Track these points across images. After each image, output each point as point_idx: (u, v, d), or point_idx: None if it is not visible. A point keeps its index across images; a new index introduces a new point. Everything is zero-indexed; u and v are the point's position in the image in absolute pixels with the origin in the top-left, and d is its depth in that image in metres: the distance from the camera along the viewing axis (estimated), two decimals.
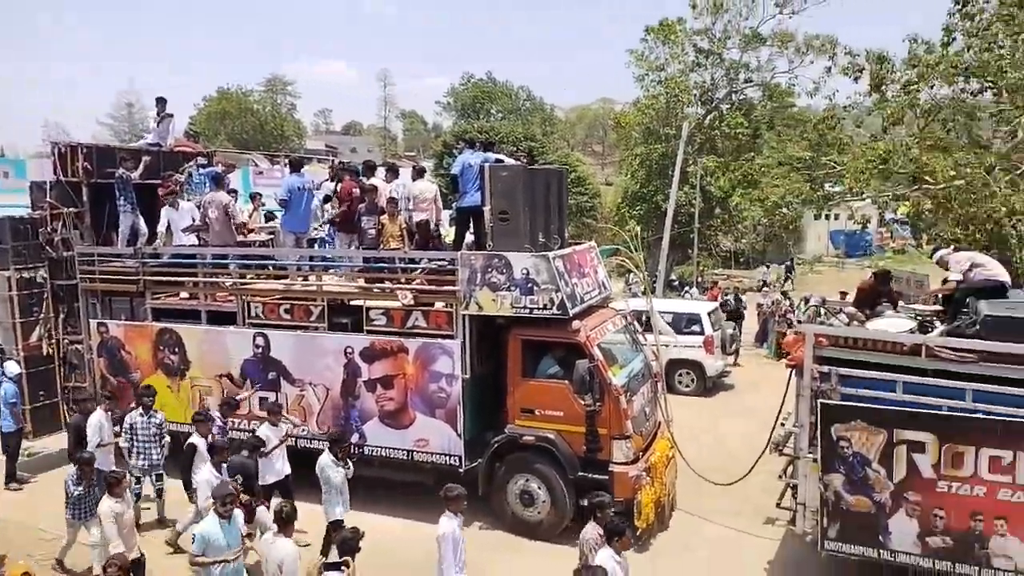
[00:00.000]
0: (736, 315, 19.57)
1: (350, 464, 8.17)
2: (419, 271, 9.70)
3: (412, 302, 9.52)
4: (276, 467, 8.76)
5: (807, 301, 19.14)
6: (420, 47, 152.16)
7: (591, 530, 6.62)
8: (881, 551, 7.42)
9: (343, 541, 6.14)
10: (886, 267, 10.42)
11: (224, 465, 7.80)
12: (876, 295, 9.09)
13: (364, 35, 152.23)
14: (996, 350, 6.98)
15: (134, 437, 9.24)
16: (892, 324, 8.25)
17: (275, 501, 8.05)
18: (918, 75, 17.43)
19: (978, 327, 7.38)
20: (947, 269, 8.25)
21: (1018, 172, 16.64)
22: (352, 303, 10.02)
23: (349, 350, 9.69)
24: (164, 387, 10.61)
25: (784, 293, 22.82)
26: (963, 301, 7.89)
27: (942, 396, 7.18)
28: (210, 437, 8.64)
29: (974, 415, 7.02)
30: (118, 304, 11.39)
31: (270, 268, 11.09)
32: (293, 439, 9.56)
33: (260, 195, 13.70)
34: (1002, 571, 7.02)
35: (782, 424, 8.85)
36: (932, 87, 17.93)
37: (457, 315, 9.18)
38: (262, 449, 8.47)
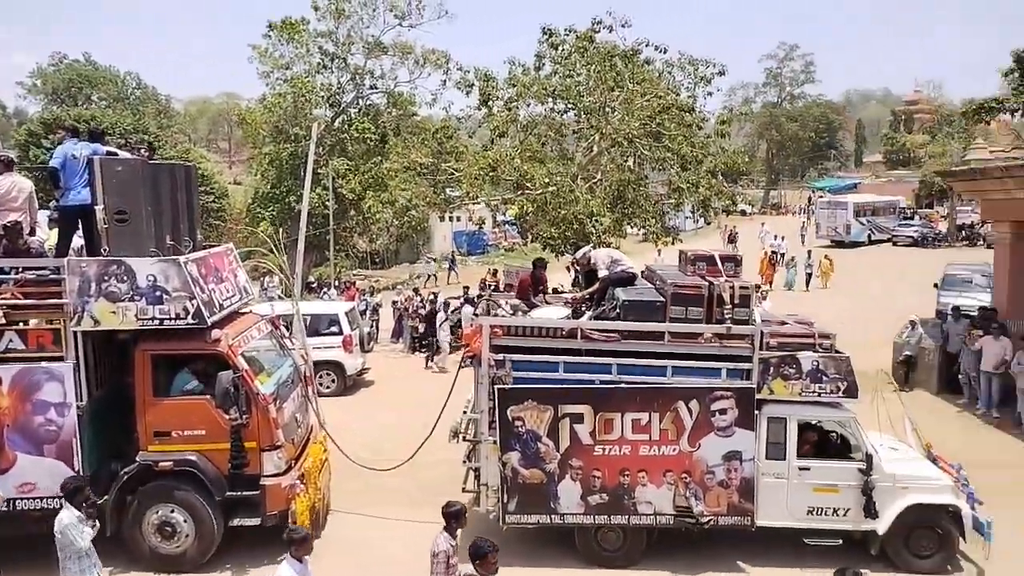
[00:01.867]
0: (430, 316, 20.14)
1: (97, 521, 6.79)
2: (11, 282, 8.08)
3: (2, 320, 7.98)
4: None
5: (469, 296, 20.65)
6: None
7: (444, 542, 6.23)
8: (553, 516, 8.38)
9: None
10: (542, 257, 11.55)
11: None
12: (536, 282, 10.12)
13: None
14: (632, 329, 8.40)
15: None
16: (552, 312, 9.31)
17: None
18: (517, 94, 19.98)
19: (618, 311, 8.72)
20: (588, 264, 9.70)
21: (594, 181, 20.14)
22: None
23: None
24: None
25: (416, 290, 24.25)
26: (605, 290, 9.27)
27: (595, 372, 8.39)
28: None
29: (619, 385, 8.33)
30: None
31: None
32: None
33: None
34: (646, 515, 8.40)
35: (464, 412, 9.34)
36: (528, 105, 20.73)
37: (67, 333, 7.92)
38: None
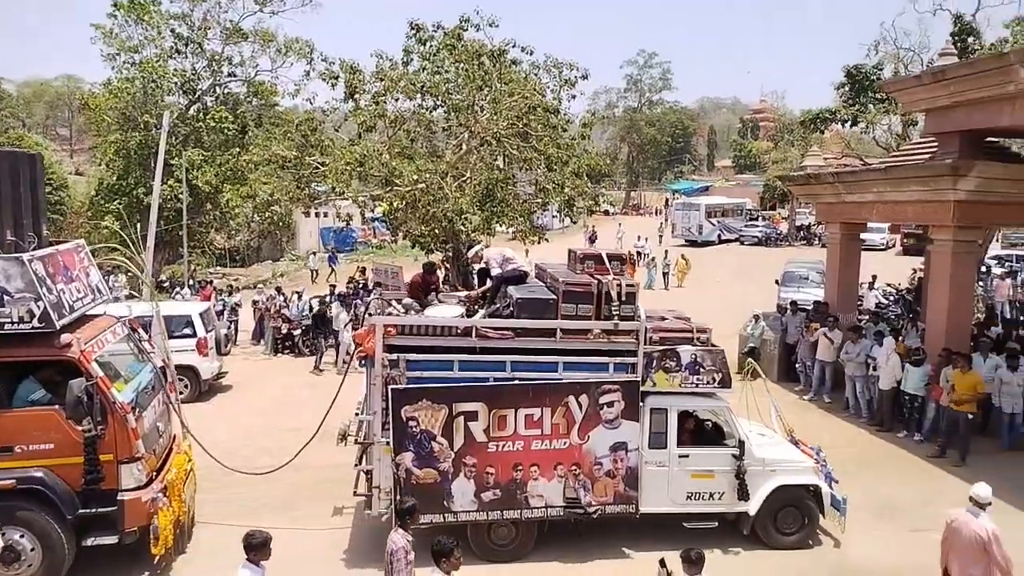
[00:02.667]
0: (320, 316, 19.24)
1: None
2: None
3: None
4: None
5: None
6: None
7: (400, 539, 6.07)
8: (447, 515, 8.36)
9: None
10: (431, 261, 11.49)
11: None
12: (427, 284, 10.03)
13: None
14: (526, 326, 8.54)
15: None
16: (446, 311, 9.28)
17: None
18: (384, 88, 19.67)
19: (512, 309, 8.87)
20: (479, 261, 9.77)
21: (464, 179, 20.18)
22: None
23: None
24: None
25: (278, 289, 23.34)
26: (499, 289, 9.37)
27: (489, 369, 8.45)
28: None
29: (513, 382, 8.43)
30: None
31: None
32: None
33: None
34: (537, 508, 8.55)
35: (357, 413, 9.16)
36: (397, 100, 20.46)
37: None
38: None
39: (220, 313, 19.95)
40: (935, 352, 12.89)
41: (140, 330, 9.70)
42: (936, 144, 14.30)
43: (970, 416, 11.88)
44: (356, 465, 8.96)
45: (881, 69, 28.41)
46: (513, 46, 20.51)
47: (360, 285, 23.33)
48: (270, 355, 19.89)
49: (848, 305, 16.86)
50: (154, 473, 8.29)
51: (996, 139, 14.43)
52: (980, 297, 20.63)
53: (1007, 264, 30.04)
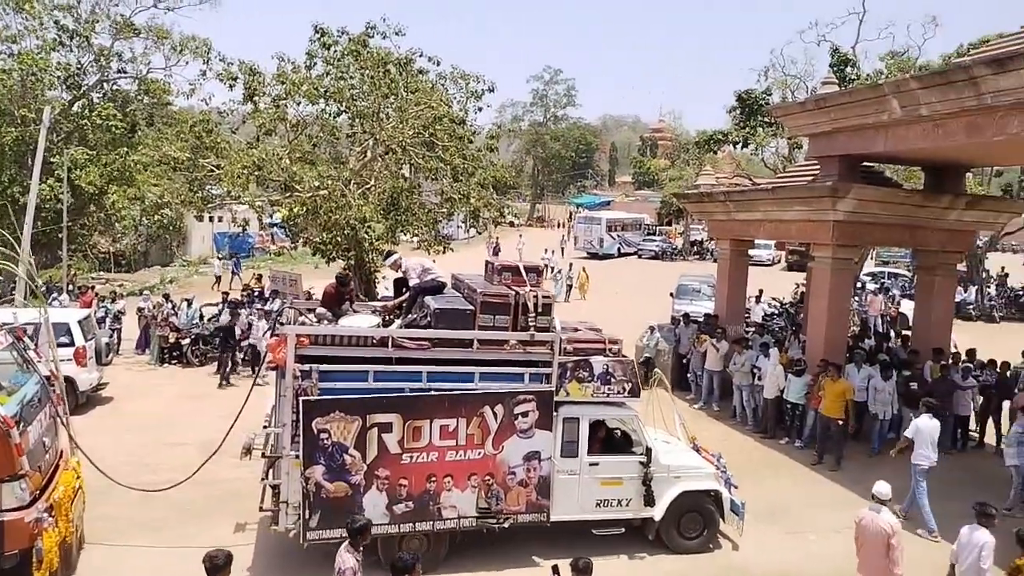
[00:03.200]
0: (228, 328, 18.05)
1: None
2: None
3: None
4: None
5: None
6: None
7: (349, 558, 5.85)
8: None
9: None
10: (345, 271, 11.16)
11: None
12: (340, 296, 9.73)
13: None
14: (443, 336, 8.47)
15: None
16: (362, 321, 9.04)
17: None
18: (286, 92, 19.19)
19: (429, 319, 8.77)
20: (397, 269, 9.64)
21: (368, 186, 19.93)
22: None
23: None
24: None
25: (166, 296, 22.22)
26: (416, 299, 9.25)
27: (405, 380, 8.30)
28: None
29: (429, 392, 8.31)
30: None
31: None
32: None
33: None
34: (450, 519, 8.45)
35: (265, 426, 8.83)
36: (299, 104, 20.01)
37: None
38: None
39: (101, 321, 18.79)
40: (815, 363, 13.71)
41: (26, 338, 9.02)
42: (818, 167, 15.26)
43: (840, 422, 12.67)
44: (263, 479, 8.63)
45: (770, 94, 30.07)
46: (420, 55, 20.52)
47: (256, 293, 22.51)
48: (155, 365, 18.88)
49: (736, 317, 17.70)
50: (39, 491, 7.68)
51: (871, 164, 15.55)
52: (855, 311, 22.11)
53: (879, 281, 32.34)
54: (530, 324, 8.75)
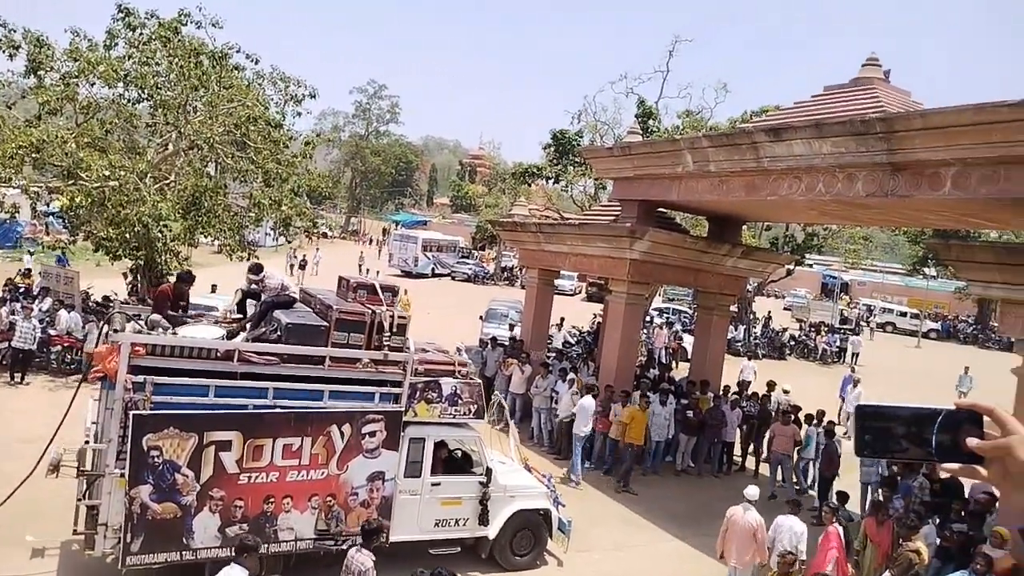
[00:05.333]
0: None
1: None
2: None
3: None
4: None
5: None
6: None
7: (367, 559, 6.05)
8: (184, 552, 7.51)
9: None
10: (189, 270, 10.16)
11: None
12: (177, 299, 9.09)
13: None
14: (294, 352, 8.06)
15: None
16: (204, 331, 8.45)
17: None
18: (79, 70, 17.38)
19: (280, 334, 8.35)
20: (260, 282, 9.11)
21: (167, 182, 18.48)
22: None
23: None
24: None
25: None
26: (266, 313, 8.81)
27: (249, 396, 7.79)
28: None
29: (274, 410, 7.82)
30: None
31: None
32: None
33: None
34: (286, 542, 8.01)
35: (87, 441, 7.99)
36: (93, 85, 18.18)
37: None
38: None
39: None
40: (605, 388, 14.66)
41: None
42: (620, 208, 16.48)
43: (636, 446, 13.69)
44: (80, 499, 7.71)
45: (581, 136, 32.03)
46: (238, 51, 19.50)
47: (20, 290, 19.87)
48: None
49: (540, 343, 18.51)
50: None
51: (666, 210, 17.05)
52: (643, 343, 23.95)
53: (665, 316, 35.32)
54: (384, 343, 8.69)
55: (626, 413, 13.66)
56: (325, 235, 53.87)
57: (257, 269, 9.40)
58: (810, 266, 51.59)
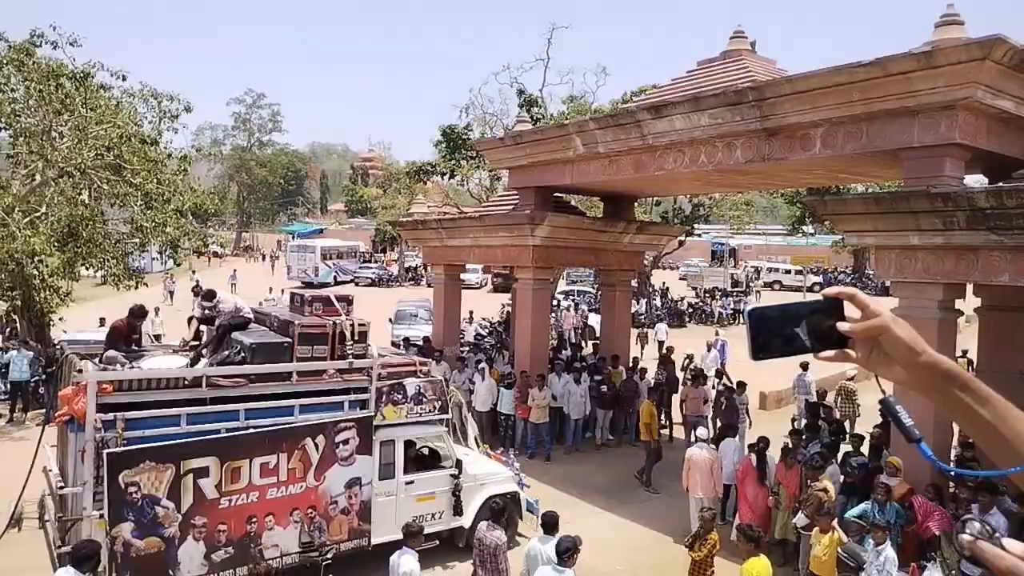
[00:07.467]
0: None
1: None
2: None
3: None
4: None
5: None
6: None
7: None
8: None
9: None
10: (141, 304, 9.70)
11: None
12: (130, 333, 8.96)
13: None
14: (261, 371, 8.07)
15: None
16: (168, 361, 8.46)
17: None
18: None
19: (244, 355, 8.30)
20: (213, 308, 9.20)
21: (38, 215, 17.31)
22: None
23: None
24: None
25: None
26: (224, 336, 8.81)
27: (221, 420, 7.74)
28: None
29: (247, 431, 7.76)
30: None
31: None
32: None
33: None
34: (272, 559, 7.96)
35: (62, 486, 7.58)
36: None
37: None
38: None
39: None
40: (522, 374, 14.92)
41: None
42: (518, 197, 16.71)
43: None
44: (54, 547, 7.32)
45: (471, 130, 32.13)
46: (101, 69, 18.44)
47: None
48: None
49: (453, 338, 18.55)
50: None
51: (562, 194, 17.42)
52: (552, 326, 24.42)
53: (571, 298, 36.07)
54: (347, 352, 8.85)
55: (644, 411, 13.49)
56: (216, 254, 51.78)
57: (210, 296, 9.50)
58: (699, 236, 53.77)
